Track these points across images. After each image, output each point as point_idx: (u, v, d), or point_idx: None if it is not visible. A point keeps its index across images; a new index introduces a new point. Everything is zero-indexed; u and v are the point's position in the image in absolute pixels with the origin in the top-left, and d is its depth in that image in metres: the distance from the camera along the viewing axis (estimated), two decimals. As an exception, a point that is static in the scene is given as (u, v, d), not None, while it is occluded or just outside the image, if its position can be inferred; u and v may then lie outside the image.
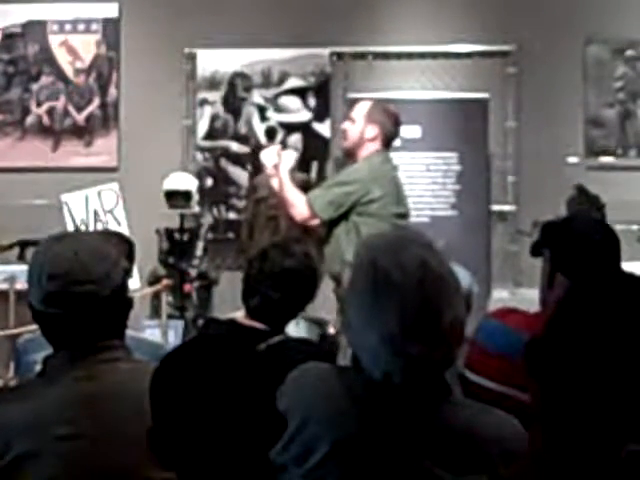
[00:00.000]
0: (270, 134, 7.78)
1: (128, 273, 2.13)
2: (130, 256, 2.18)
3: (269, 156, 4.92)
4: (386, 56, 7.60)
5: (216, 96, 7.82)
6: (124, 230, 4.94)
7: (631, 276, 1.47)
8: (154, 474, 1.92)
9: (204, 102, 7.83)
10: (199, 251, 7.10)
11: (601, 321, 1.38)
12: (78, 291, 2.01)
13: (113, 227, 5.00)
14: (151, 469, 1.92)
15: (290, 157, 4.84)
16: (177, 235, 7.10)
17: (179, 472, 1.69)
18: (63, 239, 2.11)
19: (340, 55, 7.69)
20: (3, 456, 1.97)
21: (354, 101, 7.33)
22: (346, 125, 4.84)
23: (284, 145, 7.72)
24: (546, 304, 2.54)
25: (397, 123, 4.84)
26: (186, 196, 7.02)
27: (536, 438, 1.43)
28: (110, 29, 7.96)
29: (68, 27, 8.00)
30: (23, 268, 4.64)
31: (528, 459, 1.44)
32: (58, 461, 1.96)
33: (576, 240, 2.51)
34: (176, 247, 7.08)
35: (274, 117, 7.78)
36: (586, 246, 2.49)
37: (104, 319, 2.05)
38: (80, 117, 8.00)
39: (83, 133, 8.00)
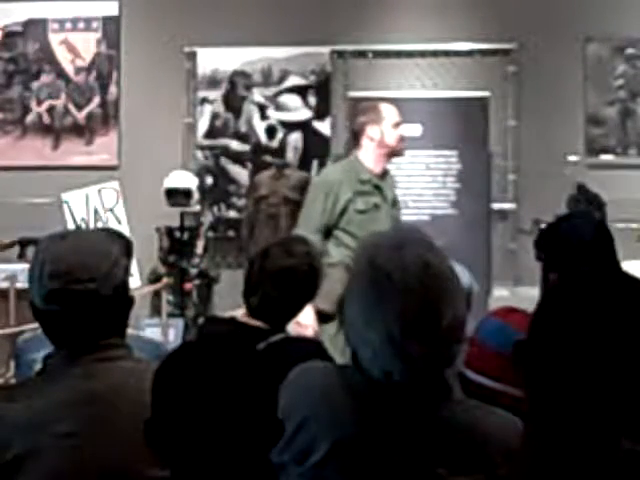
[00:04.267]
0: (270, 132, 7.78)
1: (128, 271, 2.13)
2: (128, 254, 2.18)
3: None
4: (386, 54, 7.61)
5: (216, 94, 7.83)
6: (124, 228, 4.94)
7: (616, 272, 1.46)
8: (153, 472, 1.92)
9: (204, 100, 7.84)
10: (199, 249, 7.10)
11: (581, 318, 1.37)
12: (79, 289, 2.01)
13: (113, 225, 4.99)
14: (150, 467, 1.92)
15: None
16: (177, 233, 7.11)
17: (176, 469, 1.70)
18: (64, 237, 2.10)
19: (340, 53, 7.69)
20: (3, 454, 1.97)
21: (354, 100, 7.39)
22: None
23: (283, 143, 7.74)
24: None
25: None
26: (186, 194, 7.03)
27: (530, 437, 1.44)
28: (110, 27, 7.96)
29: (68, 25, 8.01)
30: (23, 267, 4.64)
31: (522, 458, 1.44)
32: (58, 459, 1.96)
33: (565, 240, 2.53)
34: (176, 245, 7.08)
35: (274, 115, 7.78)
36: (575, 246, 2.50)
37: (105, 317, 2.05)
38: (80, 115, 8.00)
39: (83, 131, 8.00)
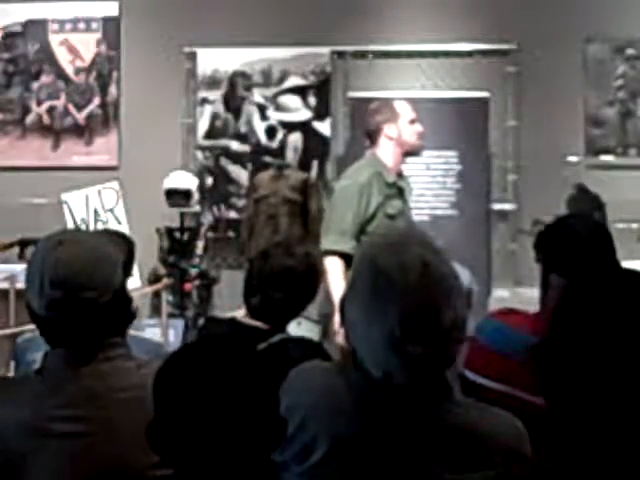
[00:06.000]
0: (270, 133, 7.78)
1: (128, 272, 2.13)
2: (130, 256, 2.17)
3: None
4: (386, 55, 7.60)
5: (216, 95, 7.82)
6: (124, 229, 4.94)
7: (627, 271, 1.47)
8: (154, 472, 1.92)
9: (204, 101, 7.84)
10: (199, 250, 7.10)
11: (601, 319, 1.38)
12: (80, 297, 2.00)
13: (113, 226, 5.00)
14: (151, 467, 1.92)
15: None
16: (177, 234, 7.10)
17: (178, 470, 1.70)
18: (62, 243, 2.07)
19: (340, 54, 7.68)
20: (3, 454, 1.97)
21: (354, 100, 7.39)
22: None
23: (283, 144, 7.74)
24: (545, 305, 2.55)
25: None
26: (186, 195, 7.03)
27: (548, 439, 1.43)
28: (110, 28, 7.96)
29: (68, 26, 8.00)
30: (23, 267, 4.64)
31: (537, 459, 1.44)
32: (58, 459, 1.96)
33: (563, 241, 2.54)
34: (176, 246, 7.08)
35: (274, 116, 7.78)
36: (574, 244, 2.51)
37: (105, 321, 2.05)
38: (80, 116, 8.00)
39: (83, 132, 8.00)
